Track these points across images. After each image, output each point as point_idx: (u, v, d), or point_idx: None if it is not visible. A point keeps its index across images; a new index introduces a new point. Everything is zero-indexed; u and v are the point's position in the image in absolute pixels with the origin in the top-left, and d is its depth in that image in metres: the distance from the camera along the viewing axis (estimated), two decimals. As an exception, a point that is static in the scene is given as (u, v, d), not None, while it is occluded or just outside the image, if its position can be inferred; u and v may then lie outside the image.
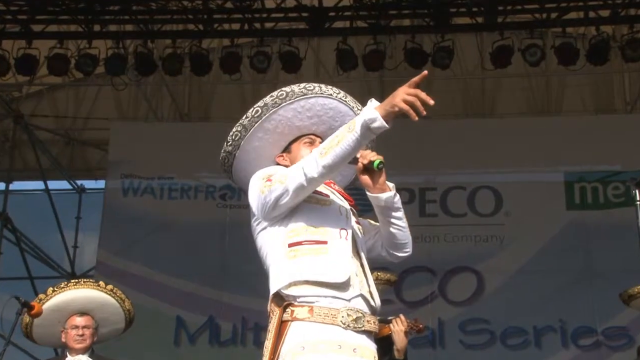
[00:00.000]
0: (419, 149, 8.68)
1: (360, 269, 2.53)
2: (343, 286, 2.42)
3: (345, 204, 2.63)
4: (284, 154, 2.75)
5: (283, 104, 2.74)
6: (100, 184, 9.79)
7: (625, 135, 8.43)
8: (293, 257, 2.44)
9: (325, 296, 2.39)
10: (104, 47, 8.02)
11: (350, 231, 2.53)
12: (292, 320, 2.36)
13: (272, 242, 2.53)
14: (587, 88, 9.10)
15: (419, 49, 7.90)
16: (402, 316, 4.23)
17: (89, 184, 10.31)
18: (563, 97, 9.26)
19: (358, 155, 2.56)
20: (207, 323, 8.38)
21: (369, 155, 2.59)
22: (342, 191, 2.72)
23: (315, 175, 2.40)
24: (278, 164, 2.72)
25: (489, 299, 8.22)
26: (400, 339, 4.12)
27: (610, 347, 7.86)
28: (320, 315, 2.35)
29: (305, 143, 2.74)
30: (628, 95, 9.10)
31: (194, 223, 8.64)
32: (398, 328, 4.14)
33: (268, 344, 2.37)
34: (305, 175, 2.41)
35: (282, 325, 2.36)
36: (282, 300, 2.41)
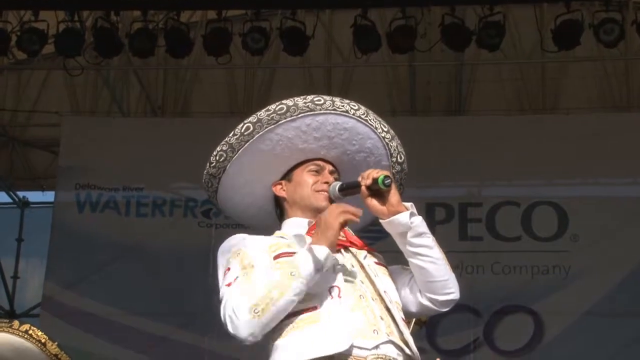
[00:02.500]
0: (460, 153, 8.70)
1: (386, 312, 2.64)
2: (362, 334, 2.56)
3: (339, 255, 2.70)
4: (283, 182, 2.85)
5: (282, 121, 2.79)
6: (49, 196, 9.85)
7: None
8: (281, 336, 2.59)
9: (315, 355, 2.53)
10: (54, 19, 8.09)
11: (343, 286, 2.64)
12: None
13: None
14: (679, 76, 9.12)
15: (460, 24, 7.93)
16: None
17: (33, 196, 10.39)
18: (647, 88, 9.28)
19: (359, 179, 2.66)
20: (184, 377, 8.42)
21: (371, 173, 2.67)
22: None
23: (247, 336, 2.56)
24: (275, 194, 2.84)
25: (550, 348, 8.21)
26: None
27: None
28: None
29: (310, 171, 2.83)
30: None
31: (169, 247, 8.69)
32: None
33: None
34: (238, 338, 2.58)
35: None
36: None
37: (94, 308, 8.51)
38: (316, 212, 2.76)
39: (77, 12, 8.14)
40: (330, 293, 2.63)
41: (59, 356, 4.18)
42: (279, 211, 2.91)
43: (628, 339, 8.08)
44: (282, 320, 2.59)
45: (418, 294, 2.77)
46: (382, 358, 2.55)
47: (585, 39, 7.86)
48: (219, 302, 2.66)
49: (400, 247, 2.74)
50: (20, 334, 4.12)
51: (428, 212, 8.72)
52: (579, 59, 8.67)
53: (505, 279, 8.46)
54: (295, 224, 2.81)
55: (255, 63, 9.04)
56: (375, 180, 2.65)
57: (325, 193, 2.79)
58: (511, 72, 9.35)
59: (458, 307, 9.57)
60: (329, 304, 2.61)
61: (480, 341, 8.36)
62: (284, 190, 2.84)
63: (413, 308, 2.78)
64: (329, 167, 2.84)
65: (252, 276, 2.61)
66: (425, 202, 8.78)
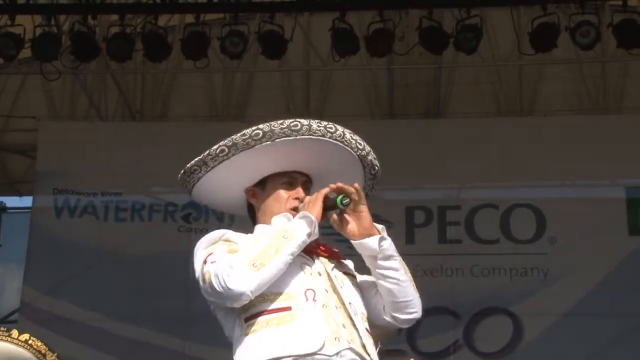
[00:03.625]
0: (439, 156, 8.74)
1: (349, 320, 2.72)
2: (323, 347, 2.62)
3: (311, 260, 2.77)
4: (256, 189, 2.92)
5: (257, 146, 2.83)
6: (27, 201, 9.83)
7: None
8: (253, 332, 2.65)
9: (292, 357, 2.59)
10: (31, 24, 8.05)
11: (320, 289, 2.71)
12: None
13: (226, 318, 2.76)
14: (655, 79, 9.19)
15: (438, 28, 7.97)
16: None
17: (11, 201, 10.35)
18: (624, 90, 9.33)
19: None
20: (165, 382, 8.39)
21: (325, 192, 2.76)
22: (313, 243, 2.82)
23: (246, 290, 2.59)
24: (248, 200, 2.93)
25: (529, 350, 8.25)
26: None
27: None
28: None
29: (283, 183, 2.88)
30: None
31: (149, 252, 8.66)
32: None
33: None
34: (234, 290, 2.60)
35: None
36: None
37: (73, 314, 8.47)
38: None
39: (54, 16, 8.11)
40: (305, 295, 2.69)
41: None
42: (251, 213, 2.98)
43: (607, 339, 8.15)
44: (254, 317, 2.64)
45: (382, 310, 2.84)
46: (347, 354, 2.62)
47: (562, 42, 7.90)
48: (203, 279, 2.68)
49: (369, 266, 2.80)
50: (20, 343, 4.09)
51: (407, 216, 8.75)
52: (555, 61, 8.73)
53: (485, 281, 8.50)
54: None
55: (234, 67, 9.04)
56: (334, 200, 2.73)
57: (295, 213, 2.83)
58: (489, 74, 9.40)
59: (438, 309, 9.68)
60: (303, 306, 2.66)
61: (460, 343, 8.40)
62: (256, 197, 2.92)
63: (376, 322, 2.85)
64: (302, 179, 2.90)
65: (242, 252, 2.68)
66: (404, 205, 8.82)
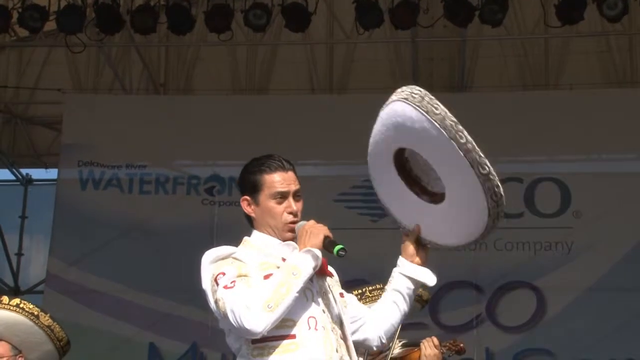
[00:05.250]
0: (463, 128, 8.68)
1: (342, 342, 2.92)
2: None
3: (312, 285, 2.90)
4: (250, 199, 3.04)
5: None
6: (52, 173, 9.87)
7: None
8: (260, 355, 2.82)
9: None
10: (56, -4, 8.07)
11: (321, 317, 2.87)
12: None
13: (234, 335, 2.88)
14: (682, 51, 9.09)
15: (463, 0, 7.90)
16: (434, 338, 4.40)
17: (37, 173, 10.40)
18: (651, 64, 9.25)
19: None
20: (189, 352, 8.48)
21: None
22: None
23: (262, 330, 2.75)
24: (244, 209, 3.06)
25: (552, 324, 8.26)
26: None
27: None
28: None
29: (275, 198, 3.00)
30: None
31: (173, 224, 8.71)
32: (429, 351, 4.34)
33: None
34: (252, 330, 2.75)
35: None
36: None
37: (98, 285, 8.56)
38: (284, 240, 2.97)
39: (78, -12, 8.11)
40: (308, 323, 2.85)
41: (52, 327, 4.18)
42: (247, 218, 3.10)
43: (630, 314, 8.12)
44: (261, 341, 2.79)
45: (360, 329, 3.05)
46: None
47: (589, 14, 7.83)
48: (216, 302, 2.83)
49: (396, 286, 3.07)
50: (12, 308, 4.12)
51: (431, 189, 8.74)
52: (582, 34, 8.64)
53: (508, 255, 8.48)
54: (268, 244, 2.99)
55: (258, 39, 9.02)
56: (332, 246, 2.88)
57: (292, 227, 2.97)
58: (514, 48, 9.33)
59: (461, 283, 9.69)
60: (306, 334, 2.83)
61: (482, 317, 8.40)
62: (251, 209, 3.04)
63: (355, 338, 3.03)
64: (293, 189, 3.01)
65: (250, 283, 2.81)
66: (428, 178, 8.80)
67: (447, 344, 4.41)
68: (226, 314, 2.78)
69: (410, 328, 4.46)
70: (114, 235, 8.72)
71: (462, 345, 4.43)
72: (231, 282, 2.82)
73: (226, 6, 8.03)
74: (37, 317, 4.15)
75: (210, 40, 8.78)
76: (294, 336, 2.81)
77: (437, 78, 9.45)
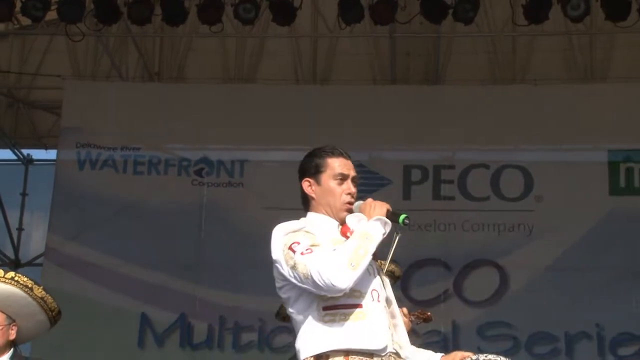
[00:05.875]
0: (436, 120, 8.72)
1: (391, 320, 3.00)
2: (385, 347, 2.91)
3: (372, 262, 2.95)
4: (312, 181, 3.09)
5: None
6: (52, 154, 9.81)
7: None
8: (330, 321, 2.88)
9: (363, 350, 2.88)
10: (58, -12, 7.99)
11: (381, 291, 2.96)
12: None
13: (303, 301, 2.93)
14: (638, 50, 9.11)
15: (438, -2, 7.91)
16: (404, 309, 4.39)
17: (37, 154, 10.34)
18: (610, 61, 9.27)
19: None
20: (177, 322, 8.46)
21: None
22: None
23: (347, 286, 2.82)
24: (303, 189, 3.10)
25: (514, 299, 8.30)
26: None
27: (657, 359, 8.00)
28: None
29: (336, 179, 3.07)
30: (687, 59, 9.13)
31: (164, 203, 8.68)
32: None
33: None
34: (337, 287, 2.82)
35: None
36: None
37: (94, 258, 8.51)
38: (339, 219, 3.04)
39: (78, -19, 8.03)
40: (372, 295, 2.93)
41: (45, 299, 4.15)
42: (305, 201, 3.13)
43: (584, 291, 8.19)
44: (332, 308, 2.87)
45: None
46: (391, 357, 2.91)
47: (554, 14, 7.84)
48: (294, 267, 2.86)
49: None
50: (7, 280, 4.08)
51: (405, 174, 8.76)
52: (547, 32, 8.65)
53: (475, 235, 8.52)
54: (326, 223, 3.05)
55: (246, 32, 8.97)
56: (397, 215, 2.96)
57: (350, 207, 3.04)
58: (484, 44, 9.34)
59: (430, 261, 9.73)
60: (371, 305, 2.91)
61: (450, 292, 8.45)
62: (312, 189, 3.08)
63: None
64: (352, 174, 3.10)
65: (325, 248, 2.88)
66: (402, 164, 8.82)
67: (416, 313, 4.45)
68: (308, 276, 2.81)
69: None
70: (109, 212, 8.67)
71: (429, 314, 4.46)
72: (307, 249, 2.87)
73: (217, 0, 7.99)
74: (31, 289, 4.11)
75: (202, 31, 8.72)
76: (360, 306, 2.88)
77: (413, 71, 9.45)
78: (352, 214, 3.01)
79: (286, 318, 4.73)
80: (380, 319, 2.92)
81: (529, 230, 8.53)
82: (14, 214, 9.95)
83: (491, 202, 8.65)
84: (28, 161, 10.26)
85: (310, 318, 2.91)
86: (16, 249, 9.82)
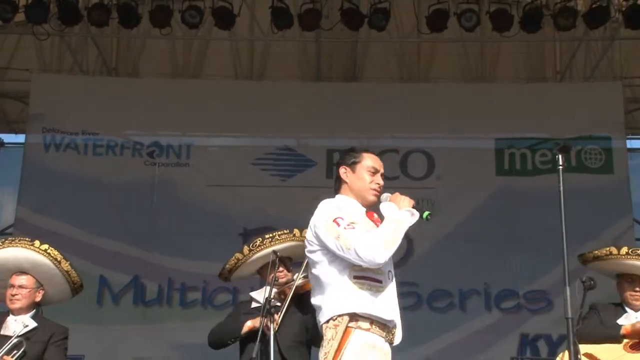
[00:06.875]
0: (354, 111, 8.78)
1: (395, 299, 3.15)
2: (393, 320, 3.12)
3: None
4: (348, 169, 3.22)
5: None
6: (20, 138, 9.57)
7: (554, 104, 8.74)
8: (360, 288, 3.00)
9: (380, 319, 3.05)
10: (25, -8, 7.74)
11: (393, 273, 3.12)
12: (356, 328, 2.99)
13: (336, 267, 3.01)
14: (520, 56, 9.32)
15: (356, 9, 7.94)
16: None
17: (8, 137, 10.07)
18: (497, 65, 9.45)
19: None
20: (131, 283, 8.38)
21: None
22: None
23: (384, 262, 2.99)
24: (339, 175, 3.20)
25: (418, 262, 8.40)
26: None
27: (531, 310, 8.24)
28: (377, 329, 3.03)
29: (368, 170, 3.21)
30: (558, 64, 9.37)
31: (120, 181, 8.57)
32: None
33: (334, 343, 2.97)
34: (375, 261, 2.97)
35: (346, 330, 2.98)
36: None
37: (58, 228, 8.33)
38: (365, 202, 3.14)
39: (44, -14, 7.81)
40: (388, 275, 3.08)
41: (70, 273, 4.14)
42: (336, 185, 3.25)
43: (475, 256, 8.38)
44: (362, 278, 2.98)
45: None
46: (391, 330, 3.06)
47: (451, 24, 7.96)
48: (337, 237, 2.96)
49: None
50: (40, 251, 4.05)
51: (328, 156, 8.81)
52: (446, 40, 8.78)
53: (387, 209, 8.60)
54: (354, 206, 3.16)
55: (192, 35, 8.85)
56: (421, 211, 3.16)
57: (377, 192, 3.21)
58: (395, 48, 9.42)
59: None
60: (387, 282, 3.06)
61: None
62: (347, 175, 3.21)
63: None
64: (382, 171, 3.30)
65: (363, 227, 3.01)
66: (326, 148, 8.86)
67: None
68: (350, 248, 2.92)
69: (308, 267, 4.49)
70: (71, 188, 8.52)
71: None
72: (348, 225, 2.97)
73: (167, 7, 7.90)
74: (59, 262, 4.11)
75: (153, 34, 8.58)
76: (381, 281, 3.02)
77: (335, 70, 9.49)
78: (385, 203, 3.13)
79: (227, 279, 4.74)
80: (393, 296, 3.07)
81: (431, 204, 8.63)
82: (-14, 190, 9.67)
83: (400, 180, 8.75)
84: (0, 144, 9.96)
85: (341, 282, 2.98)
86: (-12, 221, 9.54)
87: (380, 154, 10.06)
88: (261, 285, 4.52)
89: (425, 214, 3.12)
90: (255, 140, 8.98)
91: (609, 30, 8.46)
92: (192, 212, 8.34)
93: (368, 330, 2.98)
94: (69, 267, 4.14)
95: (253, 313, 4.34)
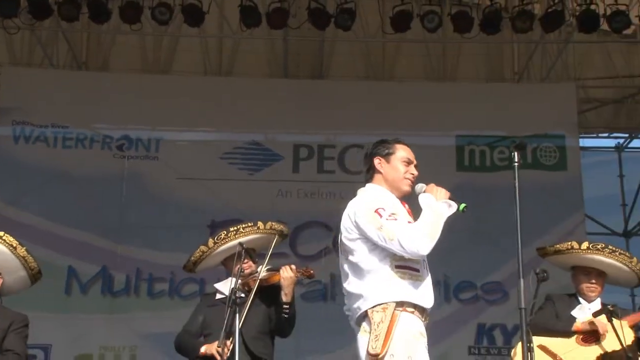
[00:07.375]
0: (320, 108, 8.79)
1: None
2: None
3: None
4: (382, 159, 3.24)
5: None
6: (-10, 130, 9.35)
7: (512, 103, 8.86)
8: (401, 277, 3.03)
9: (421, 307, 3.12)
10: (-5, -14, 7.58)
11: (426, 262, 3.14)
12: (402, 311, 3.03)
13: (376, 256, 3.05)
14: (480, 57, 9.42)
15: (322, 9, 7.95)
16: (292, 265, 4.46)
17: (-23, 130, 9.83)
18: (458, 65, 9.53)
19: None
20: (100, 273, 8.30)
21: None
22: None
23: (427, 253, 3.04)
24: (373, 164, 3.22)
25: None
26: (287, 284, 4.37)
27: (487, 301, 8.37)
28: (419, 314, 3.11)
29: (403, 161, 3.23)
30: (516, 65, 9.50)
31: (90, 173, 8.47)
32: (287, 274, 4.38)
33: (383, 326, 2.98)
34: (419, 253, 3.02)
35: (394, 314, 3.01)
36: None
37: (29, 220, 8.21)
38: (399, 192, 3.17)
39: (14, -20, 7.66)
40: (423, 264, 3.11)
41: (26, 258, 4.07)
42: (369, 175, 3.28)
43: (436, 248, 8.35)
44: (403, 267, 3.02)
45: None
46: (428, 313, 3.15)
47: (414, 25, 8.01)
48: (380, 227, 2.99)
49: None
50: None
51: (294, 151, 8.82)
52: (409, 40, 8.84)
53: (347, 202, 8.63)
54: (387, 196, 3.18)
55: (162, 31, 8.78)
56: (457, 203, 3.15)
57: (411, 183, 3.22)
58: (360, 48, 9.45)
59: (315, 223, 9.75)
60: (423, 272, 3.10)
61: (329, 249, 8.52)
62: (381, 166, 3.23)
63: None
64: (415, 162, 3.31)
65: (403, 218, 3.04)
66: (292, 143, 8.87)
67: (301, 270, 4.46)
68: (393, 239, 2.95)
69: (275, 257, 4.52)
70: (42, 180, 8.40)
71: (312, 271, 4.50)
72: (390, 215, 2.98)
73: (137, 3, 7.82)
74: (15, 248, 4.03)
75: (123, 29, 8.49)
76: (418, 270, 3.06)
77: (303, 68, 9.49)
78: (423, 194, 3.12)
79: (192, 271, 4.73)
80: (430, 284, 3.11)
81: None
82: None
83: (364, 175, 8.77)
84: (-31, 136, 9.74)
85: (383, 270, 3.01)
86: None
87: (345, 150, 10.11)
88: (227, 275, 4.55)
89: (462, 206, 3.13)
90: (223, 135, 8.94)
91: (563, 34, 8.61)
92: (161, 204, 8.29)
93: (412, 313, 3.04)
94: (25, 252, 4.07)
95: (217, 305, 4.39)
